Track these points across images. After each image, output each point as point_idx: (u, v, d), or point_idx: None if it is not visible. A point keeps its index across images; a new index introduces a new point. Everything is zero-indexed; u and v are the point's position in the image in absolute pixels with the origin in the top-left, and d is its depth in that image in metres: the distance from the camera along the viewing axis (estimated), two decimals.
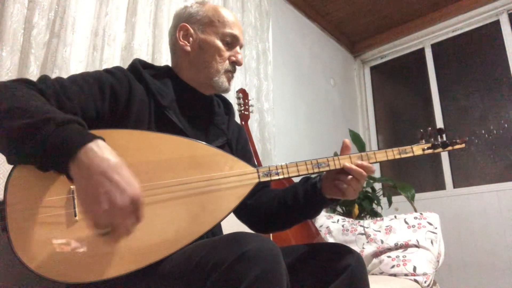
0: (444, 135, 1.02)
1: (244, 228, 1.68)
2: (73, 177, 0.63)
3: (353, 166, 0.89)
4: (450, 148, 1.01)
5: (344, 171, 0.90)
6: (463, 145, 1.02)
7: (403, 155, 0.98)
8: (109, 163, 0.62)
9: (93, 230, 0.63)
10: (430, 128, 1.02)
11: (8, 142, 0.66)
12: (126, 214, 0.61)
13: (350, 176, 0.90)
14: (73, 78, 0.86)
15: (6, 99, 0.69)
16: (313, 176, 0.99)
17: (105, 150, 0.63)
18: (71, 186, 0.72)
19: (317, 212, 1.01)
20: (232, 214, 0.85)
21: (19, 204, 0.69)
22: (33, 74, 1.47)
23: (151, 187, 0.76)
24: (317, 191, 0.96)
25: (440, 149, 1.01)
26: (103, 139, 0.66)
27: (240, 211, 1.07)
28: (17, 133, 0.65)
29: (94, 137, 0.64)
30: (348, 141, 0.95)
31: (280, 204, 1.01)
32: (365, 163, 0.90)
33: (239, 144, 1.12)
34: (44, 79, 0.81)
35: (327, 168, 0.91)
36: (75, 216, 0.71)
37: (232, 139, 1.08)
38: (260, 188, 1.07)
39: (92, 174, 0.61)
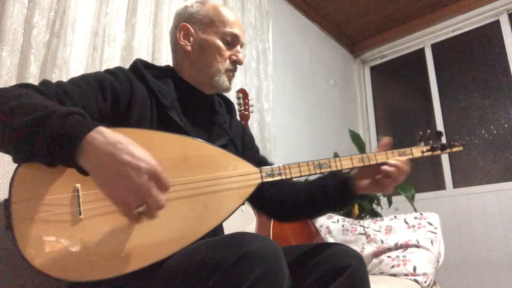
0: (442, 138, 1.03)
1: (245, 228, 1.68)
2: (86, 170, 0.63)
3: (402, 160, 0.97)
4: (448, 150, 1.03)
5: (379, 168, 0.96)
6: (461, 148, 1.04)
7: (403, 157, 0.99)
8: (115, 147, 0.61)
9: (127, 215, 0.62)
10: (429, 131, 1.03)
11: (15, 141, 0.66)
12: (150, 189, 0.61)
13: (393, 169, 0.95)
14: (74, 80, 0.86)
15: (8, 100, 0.69)
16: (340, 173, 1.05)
17: (107, 134, 0.63)
18: (76, 185, 0.72)
19: (346, 206, 1.10)
20: (234, 214, 0.85)
21: (24, 202, 0.69)
22: (33, 74, 1.47)
23: None
24: (350, 188, 0.99)
25: (438, 152, 1.02)
26: (103, 125, 0.65)
27: (262, 204, 1.10)
28: (22, 130, 0.64)
29: (94, 125, 0.64)
30: (387, 138, 1.00)
31: (308, 198, 1.05)
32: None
33: (247, 142, 1.14)
34: (44, 82, 0.81)
35: (328, 169, 0.93)
36: (80, 214, 0.71)
37: (235, 138, 1.08)
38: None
39: (103, 163, 0.61)
